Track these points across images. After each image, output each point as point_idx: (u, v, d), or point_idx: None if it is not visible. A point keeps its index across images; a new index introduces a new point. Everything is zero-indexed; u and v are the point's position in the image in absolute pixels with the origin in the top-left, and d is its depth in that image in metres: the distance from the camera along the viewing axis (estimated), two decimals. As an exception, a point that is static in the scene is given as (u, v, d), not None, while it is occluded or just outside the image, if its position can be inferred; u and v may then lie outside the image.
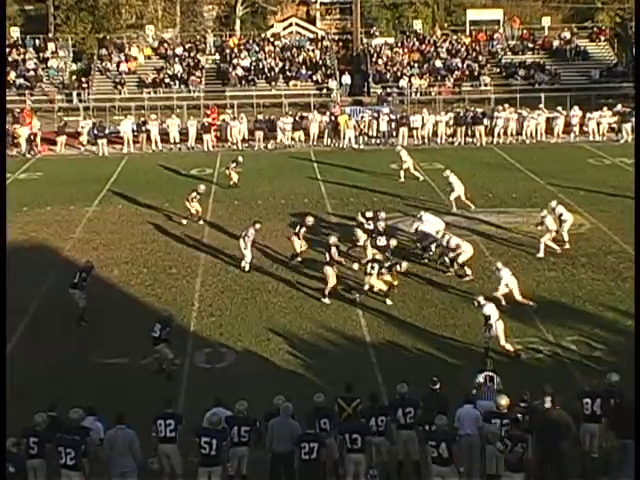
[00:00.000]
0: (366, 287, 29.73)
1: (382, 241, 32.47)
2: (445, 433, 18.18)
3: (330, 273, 30.13)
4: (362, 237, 33.05)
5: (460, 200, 38.72)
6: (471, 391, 20.51)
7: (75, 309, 28.24)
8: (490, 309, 25.22)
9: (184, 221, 39.02)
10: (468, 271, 31.51)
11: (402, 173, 45.23)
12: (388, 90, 63.44)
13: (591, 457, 19.21)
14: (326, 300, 29.73)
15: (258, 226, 34.03)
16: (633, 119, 56.48)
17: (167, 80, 65.23)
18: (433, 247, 33.38)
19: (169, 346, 24.52)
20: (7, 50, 68.93)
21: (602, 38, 72.51)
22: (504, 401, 19.00)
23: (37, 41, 71.19)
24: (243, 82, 65.34)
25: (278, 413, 18.95)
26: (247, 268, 32.98)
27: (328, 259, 30.67)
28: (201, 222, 39.19)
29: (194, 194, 39.38)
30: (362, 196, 42.89)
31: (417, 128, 57.08)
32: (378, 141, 57.27)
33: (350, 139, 56.66)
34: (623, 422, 18.72)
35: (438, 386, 20.17)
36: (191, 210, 39.17)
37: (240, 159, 44.08)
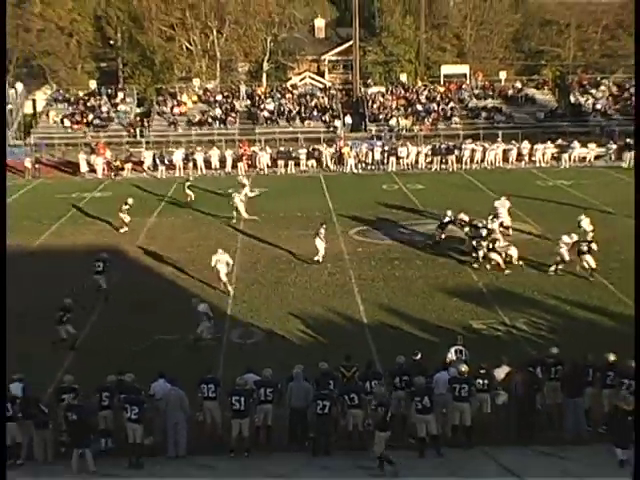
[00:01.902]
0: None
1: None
2: (427, 389, 18.48)
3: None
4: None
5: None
6: (445, 360, 20.55)
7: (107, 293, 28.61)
8: None
9: (122, 230, 39.36)
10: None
11: None
12: (380, 128, 63.38)
13: (537, 411, 19.20)
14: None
15: (325, 226, 34.42)
16: (570, 150, 56.68)
17: (209, 120, 65.13)
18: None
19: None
20: (86, 97, 69.48)
21: (546, 88, 72.37)
22: (464, 368, 19.22)
23: (109, 90, 71.22)
24: (268, 122, 65.26)
25: (295, 377, 19.19)
26: (320, 260, 32.97)
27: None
28: (125, 229, 39.37)
29: (125, 206, 39.61)
30: (361, 209, 42.81)
31: (403, 157, 57.14)
32: (373, 167, 57.19)
33: (351, 166, 56.88)
34: (569, 383, 19.19)
35: (419, 356, 20.28)
36: (124, 219, 39.37)
37: (191, 178, 42.89)
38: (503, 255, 32.14)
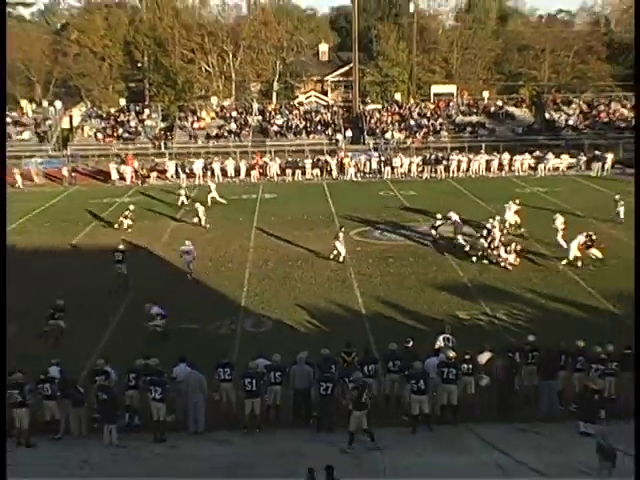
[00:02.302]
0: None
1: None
2: (423, 373, 18.55)
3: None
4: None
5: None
6: (434, 347, 20.57)
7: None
8: None
9: (116, 225, 40.04)
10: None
11: None
12: (377, 141, 63.30)
13: (515, 392, 19.34)
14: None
15: (343, 229, 34.66)
16: (545, 161, 56.75)
17: (225, 134, 65.04)
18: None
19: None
20: (116, 114, 69.59)
21: (523, 105, 72.13)
22: (451, 354, 19.34)
23: (137, 107, 71.13)
24: (278, 135, 65.17)
25: (298, 362, 19.22)
26: (342, 260, 32.82)
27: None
28: (130, 230, 39.36)
29: (127, 212, 40.48)
30: (360, 212, 42.61)
31: (397, 167, 57.09)
32: (371, 176, 57.01)
33: (351, 174, 56.70)
34: (544, 367, 19.29)
35: (411, 344, 20.30)
36: (124, 223, 39.78)
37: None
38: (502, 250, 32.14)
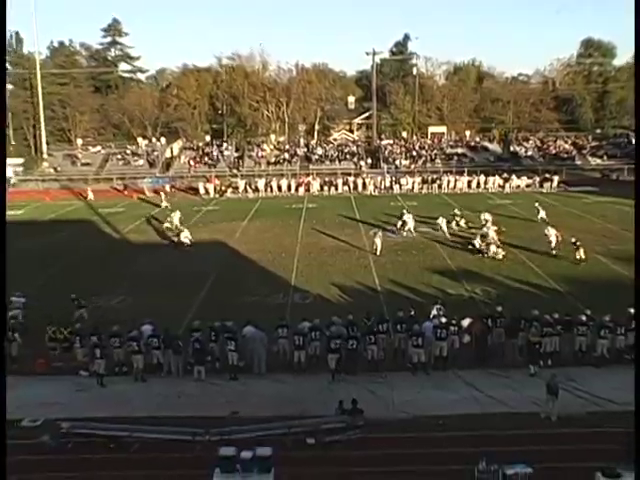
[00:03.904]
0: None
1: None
2: (420, 333, 18.60)
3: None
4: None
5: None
6: (429, 314, 20.51)
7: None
8: None
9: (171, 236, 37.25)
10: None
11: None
12: (389, 166, 62.99)
13: (489, 347, 19.29)
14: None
15: (380, 230, 34.99)
16: (510, 181, 56.20)
17: (281, 161, 65.24)
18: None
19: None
20: (203, 146, 69.73)
21: (495, 141, 71.10)
22: (443, 320, 19.36)
23: (218, 142, 71.30)
24: (318, 162, 65.09)
25: (332, 324, 19.22)
26: (378, 252, 32.18)
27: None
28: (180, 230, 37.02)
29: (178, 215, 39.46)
30: (376, 217, 42.16)
31: (404, 184, 56.79)
32: (384, 191, 56.58)
33: (371, 190, 56.39)
34: (509, 329, 19.21)
35: (412, 312, 20.22)
36: (175, 224, 38.34)
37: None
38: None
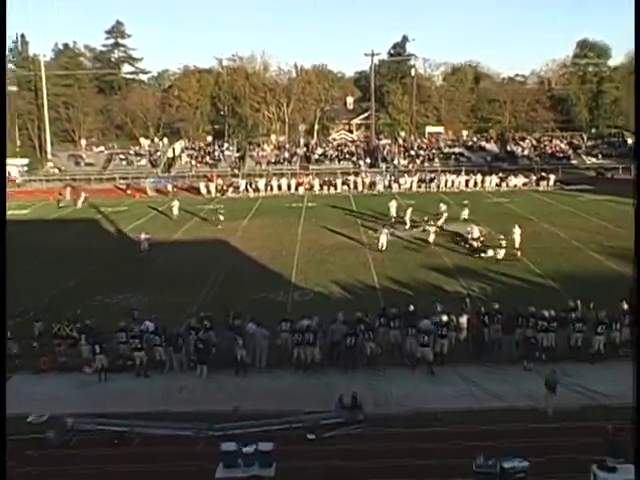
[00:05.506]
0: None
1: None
2: (429, 331, 18.56)
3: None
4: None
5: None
6: (428, 311, 20.32)
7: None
8: None
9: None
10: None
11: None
12: (388, 165, 62.95)
13: (486, 343, 19.29)
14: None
15: (387, 227, 34.70)
16: (507, 180, 56.14)
17: (281, 160, 65.22)
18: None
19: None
20: (205, 147, 69.61)
21: (492, 141, 71.15)
22: (445, 318, 19.14)
23: (219, 142, 71.08)
24: (317, 161, 65.09)
25: (335, 320, 19.17)
26: (383, 249, 32.29)
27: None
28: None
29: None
30: (375, 215, 42.06)
31: (402, 184, 56.57)
32: (383, 190, 56.20)
33: (371, 189, 56.45)
34: (505, 326, 19.16)
35: (412, 308, 20.15)
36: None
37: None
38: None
